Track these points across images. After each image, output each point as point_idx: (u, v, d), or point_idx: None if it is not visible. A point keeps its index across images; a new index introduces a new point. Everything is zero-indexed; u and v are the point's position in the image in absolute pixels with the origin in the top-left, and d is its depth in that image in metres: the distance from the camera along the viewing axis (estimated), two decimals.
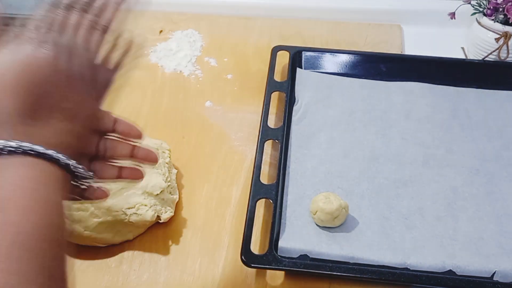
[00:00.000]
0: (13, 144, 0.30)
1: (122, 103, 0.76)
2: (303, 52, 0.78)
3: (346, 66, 0.77)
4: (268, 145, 0.64)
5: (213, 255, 0.56)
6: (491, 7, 0.74)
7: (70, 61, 0.34)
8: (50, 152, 0.31)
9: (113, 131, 0.40)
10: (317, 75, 0.75)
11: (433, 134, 0.67)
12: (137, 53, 0.41)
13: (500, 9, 0.73)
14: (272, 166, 0.64)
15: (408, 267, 0.52)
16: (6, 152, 0.30)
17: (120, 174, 0.40)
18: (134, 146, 0.41)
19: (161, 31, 0.90)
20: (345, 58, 0.77)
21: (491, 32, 0.76)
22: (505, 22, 0.74)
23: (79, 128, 0.35)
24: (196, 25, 0.91)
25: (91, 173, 0.36)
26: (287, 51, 0.77)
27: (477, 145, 0.65)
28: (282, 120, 0.66)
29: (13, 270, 0.27)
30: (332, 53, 0.78)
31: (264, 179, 0.60)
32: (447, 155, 0.64)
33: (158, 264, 0.55)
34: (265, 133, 0.64)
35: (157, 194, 0.56)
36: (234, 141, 0.69)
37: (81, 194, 0.37)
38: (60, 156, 0.32)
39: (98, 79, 0.37)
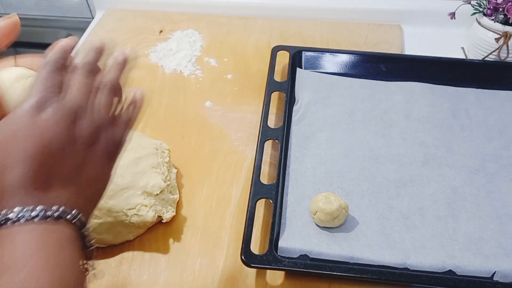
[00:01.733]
0: (30, 208, 0.29)
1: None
2: (303, 52, 0.78)
3: (346, 66, 0.77)
4: (268, 145, 0.64)
5: (213, 255, 0.56)
6: (491, 7, 0.74)
7: (77, 124, 0.33)
8: (68, 215, 0.31)
9: None
10: (317, 75, 0.75)
11: (433, 134, 0.67)
12: (142, 106, 0.40)
13: (500, 9, 0.73)
14: (272, 166, 0.64)
15: (408, 267, 0.52)
16: (23, 219, 0.29)
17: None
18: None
19: (161, 31, 0.90)
20: (345, 58, 0.77)
21: (491, 32, 0.76)
22: (505, 22, 0.74)
23: (92, 190, 0.34)
24: (196, 25, 0.91)
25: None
26: (287, 51, 0.77)
27: (477, 145, 0.65)
28: (282, 120, 0.66)
29: None
30: (332, 53, 0.78)
31: (264, 179, 0.60)
32: (447, 155, 0.64)
33: (158, 264, 0.55)
34: (265, 133, 0.64)
35: (157, 194, 0.56)
36: (234, 141, 0.69)
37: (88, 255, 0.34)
38: (78, 216, 0.32)
39: (109, 139, 0.36)
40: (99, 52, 0.37)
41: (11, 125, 0.31)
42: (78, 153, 0.33)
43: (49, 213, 0.30)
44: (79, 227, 0.32)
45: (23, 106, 0.32)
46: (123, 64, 0.38)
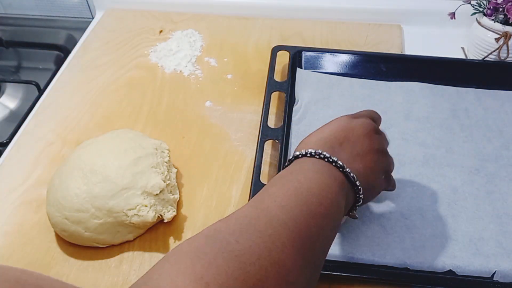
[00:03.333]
0: (326, 154, 0.44)
1: (122, 103, 0.76)
2: (303, 52, 0.78)
3: (346, 66, 0.77)
4: (268, 145, 0.64)
5: None
6: (491, 7, 0.74)
7: (375, 135, 0.49)
8: (347, 169, 0.44)
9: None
10: (317, 75, 0.76)
11: (433, 134, 0.67)
12: None
13: (500, 9, 0.73)
14: (272, 166, 0.64)
15: (408, 267, 0.52)
16: (315, 155, 0.44)
17: None
18: None
19: (161, 31, 0.90)
20: (345, 58, 0.77)
21: (491, 32, 0.76)
22: (505, 22, 0.74)
23: (370, 178, 0.47)
24: (196, 25, 0.91)
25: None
26: (287, 51, 0.77)
27: (477, 145, 0.65)
28: (282, 120, 0.66)
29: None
30: (332, 53, 0.78)
31: (264, 179, 0.60)
32: (447, 155, 0.64)
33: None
34: (265, 133, 0.64)
35: (157, 194, 0.56)
36: (234, 141, 0.69)
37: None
38: (352, 174, 0.44)
39: (386, 165, 0.52)
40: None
41: (336, 120, 0.49)
42: (367, 145, 0.47)
43: (333, 158, 0.43)
44: (352, 183, 0.44)
45: (344, 115, 0.50)
46: None
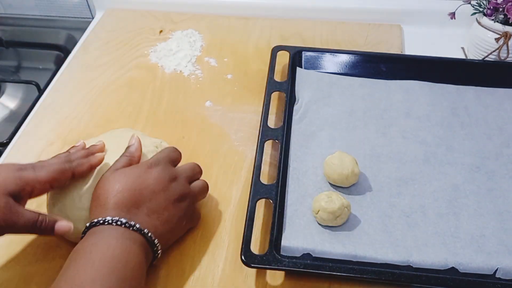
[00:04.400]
0: (123, 220, 0.46)
1: (122, 103, 0.76)
2: (303, 52, 0.78)
3: (346, 66, 0.77)
4: (268, 145, 0.64)
5: (213, 255, 0.56)
6: (491, 7, 0.74)
7: (172, 184, 0.51)
8: (145, 230, 0.47)
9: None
10: (317, 74, 0.76)
11: (433, 132, 0.67)
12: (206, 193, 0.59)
13: (500, 9, 0.74)
14: (272, 166, 0.64)
15: (411, 265, 0.52)
16: (113, 223, 0.46)
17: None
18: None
19: (161, 31, 0.90)
20: (345, 58, 0.77)
21: (491, 32, 0.76)
22: (505, 22, 0.74)
23: (167, 228, 0.50)
24: (196, 25, 0.91)
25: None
26: (287, 51, 0.77)
27: (477, 143, 0.65)
28: (282, 120, 0.66)
29: None
30: (332, 53, 0.78)
31: (264, 179, 0.60)
32: (447, 153, 0.64)
33: (157, 264, 0.55)
34: (265, 133, 0.64)
35: None
36: (234, 141, 0.69)
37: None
38: (149, 234, 0.47)
39: (190, 205, 0.54)
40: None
41: (132, 169, 0.50)
42: (162, 200, 0.49)
43: (130, 223, 0.46)
44: (150, 242, 0.47)
45: (144, 162, 0.52)
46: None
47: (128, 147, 0.54)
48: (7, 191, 0.46)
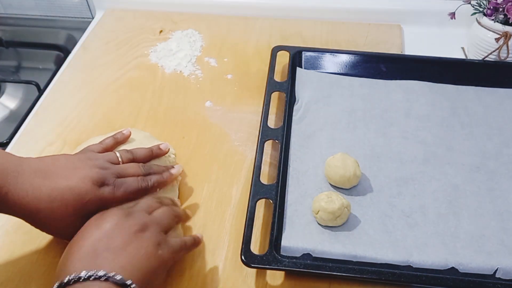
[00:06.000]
0: (99, 273, 0.43)
1: (122, 103, 0.76)
2: (303, 52, 0.78)
3: (346, 66, 0.77)
4: (268, 145, 0.64)
5: (213, 255, 0.56)
6: (491, 7, 0.74)
7: (129, 219, 0.48)
8: (117, 277, 0.43)
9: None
10: (317, 74, 0.76)
11: (433, 132, 0.67)
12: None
13: (500, 9, 0.73)
14: (272, 166, 0.64)
15: (411, 265, 0.52)
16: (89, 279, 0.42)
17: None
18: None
19: (161, 31, 0.90)
20: (345, 58, 0.77)
21: (491, 32, 0.76)
22: (505, 22, 0.74)
23: (140, 263, 0.46)
24: (196, 25, 0.91)
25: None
26: (287, 51, 0.77)
27: (477, 143, 0.65)
28: (282, 120, 0.66)
29: None
30: (332, 53, 0.78)
31: (264, 179, 0.60)
32: (447, 153, 0.64)
33: None
34: (265, 133, 0.64)
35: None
36: (234, 141, 0.69)
37: None
38: (118, 277, 0.43)
39: (156, 231, 0.49)
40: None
41: (110, 221, 0.47)
42: (124, 236, 0.46)
43: (97, 274, 0.42)
44: (121, 285, 0.43)
45: (119, 212, 0.49)
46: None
47: None
48: (85, 211, 0.49)
